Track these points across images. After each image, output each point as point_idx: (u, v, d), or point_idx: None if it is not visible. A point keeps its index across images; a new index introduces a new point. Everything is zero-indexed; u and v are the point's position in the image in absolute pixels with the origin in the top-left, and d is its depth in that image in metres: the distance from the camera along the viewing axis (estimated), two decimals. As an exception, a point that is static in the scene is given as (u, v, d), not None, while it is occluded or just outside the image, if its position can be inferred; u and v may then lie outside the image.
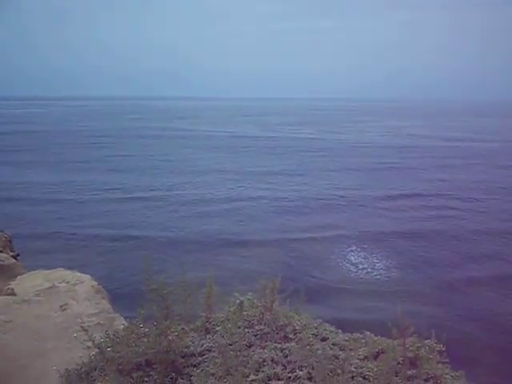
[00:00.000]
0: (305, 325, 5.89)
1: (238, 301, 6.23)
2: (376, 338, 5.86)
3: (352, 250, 24.29)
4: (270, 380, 5.09)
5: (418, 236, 26.83)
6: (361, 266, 22.37)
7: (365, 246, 25.00)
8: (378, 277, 20.79)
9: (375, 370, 5.20)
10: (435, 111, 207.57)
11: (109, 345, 5.98)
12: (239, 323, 5.92)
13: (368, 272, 21.55)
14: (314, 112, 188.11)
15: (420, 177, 45.53)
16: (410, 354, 5.44)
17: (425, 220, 30.15)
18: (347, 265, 22.54)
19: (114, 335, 6.25)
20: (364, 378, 5.15)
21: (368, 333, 5.99)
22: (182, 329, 6.08)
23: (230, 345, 5.56)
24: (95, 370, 5.87)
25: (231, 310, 6.19)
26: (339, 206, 33.96)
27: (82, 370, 6.00)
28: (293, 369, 5.16)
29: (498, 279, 20.86)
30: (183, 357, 5.76)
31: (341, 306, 18.03)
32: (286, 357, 5.34)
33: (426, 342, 5.61)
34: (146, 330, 5.91)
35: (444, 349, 5.64)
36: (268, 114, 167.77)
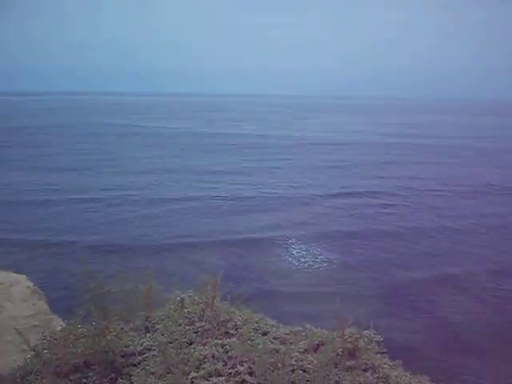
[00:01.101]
0: (246, 320, 5.89)
1: (178, 298, 6.17)
2: (316, 331, 5.93)
3: (293, 251, 24.26)
4: (210, 376, 5.07)
5: (363, 236, 27.08)
6: (301, 267, 22.38)
7: (307, 247, 25.04)
8: (316, 279, 20.80)
9: (315, 362, 5.26)
10: (397, 108, 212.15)
11: (45, 347, 5.81)
12: (180, 321, 5.86)
13: (308, 273, 21.56)
14: (270, 108, 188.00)
15: (363, 174, 46.14)
16: (349, 345, 5.53)
17: (368, 219, 30.49)
18: (288, 266, 22.47)
19: (50, 337, 6.07)
20: (304, 370, 5.20)
21: (308, 325, 6.05)
22: (122, 328, 5.97)
23: (170, 343, 5.50)
24: (31, 373, 5.67)
25: (171, 307, 6.13)
26: (281, 205, 33.86)
27: (17, 374, 5.78)
28: (234, 364, 5.16)
29: (439, 279, 21.27)
30: (123, 356, 5.65)
31: (283, 310, 17.83)
32: (227, 352, 5.32)
33: (365, 332, 5.71)
34: (84, 330, 5.75)
35: (382, 339, 5.75)
36: (221, 110, 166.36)
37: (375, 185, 40.57)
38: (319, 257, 23.34)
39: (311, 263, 22.79)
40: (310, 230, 27.43)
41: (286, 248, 24.55)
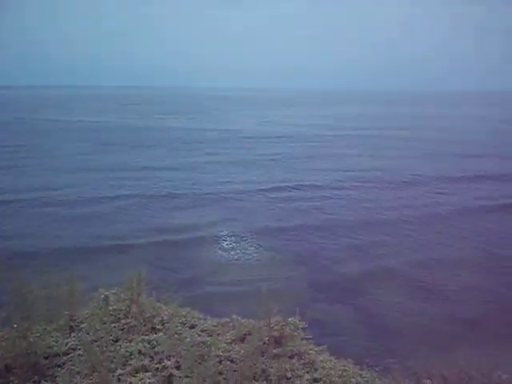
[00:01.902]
0: (172, 314, 5.88)
1: (102, 296, 6.07)
2: (243, 321, 5.99)
3: (224, 249, 23.98)
4: (137, 372, 5.04)
5: (296, 230, 27.02)
6: (232, 264, 22.07)
7: (237, 244, 24.78)
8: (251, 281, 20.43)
9: (242, 352, 5.32)
10: (342, 100, 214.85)
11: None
12: (105, 318, 5.78)
13: (239, 271, 21.30)
14: (209, 102, 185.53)
15: (298, 168, 46.17)
16: (276, 334, 5.63)
17: (302, 213, 30.41)
18: (217, 265, 22.09)
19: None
20: (231, 361, 5.26)
21: (235, 316, 6.11)
22: (45, 329, 5.81)
23: (96, 341, 5.42)
24: None
25: (96, 305, 6.02)
26: (213, 202, 33.32)
27: None
28: (161, 359, 5.15)
29: (369, 273, 21.42)
30: (46, 358, 5.51)
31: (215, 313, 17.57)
32: (154, 348, 5.30)
33: (290, 319, 5.82)
34: (4, 333, 5.56)
35: (306, 325, 5.88)
36: (157, 103, 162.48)
37: (310, 179, 40.88)
38: (251, 254, 23.31)
39: (242, 261, 22.71)
40: (241, 226, 27.15)
41: (217, 246, 24.32)
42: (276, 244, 24.93)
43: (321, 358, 5.81)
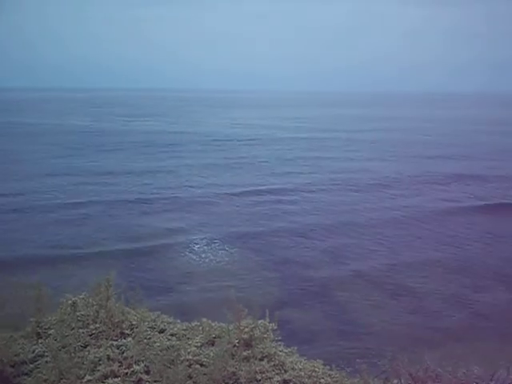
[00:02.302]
0: (141, 319, 5.85)
1: (70, 301, 6.00)
2: (213, 324, 5.99)
3: (192, 256, 23.51)
4: (106, 378, 5.00)
5: (264, 235, 26.63)
6: (200, 270, 21.65)
7: (205, 251, 24.36)
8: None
9: (212, 355, 5.33)
10: (306, 102, 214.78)
11: None
12: (73, 324, 5.71)
13: (209, 277, 20.91)
14: (180, 103, 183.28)
15: (268, 171, 45.70)
16: (245, 336, 5.64)
17: (270, 217, 29.97)
18: (191, 275, 21.58)
19: None
20: (201, 364, 5.26)
21: (205, 320, 6.10)
22: (11, 336, 5.71)
23: (64, 347, 5.35)
24: None
25: (64, 311, 5.95)
26: (182, 206, 32.60)
27: None
28: (129, 364, 5.12)
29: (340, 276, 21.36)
30: (13, 366, 5.42)
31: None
32: (123, 353, 5.27)
33: (260, 322, 5.84)
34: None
35: (276, 327, 5.92)
36: (127, 105, 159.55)
37: (279, 182, 40.77)
38: (220, 260, 23.02)
39: (211, 267, 22.36)
40: (210, 232, 26.77)
41: (185, 253, 23.94)
42: (245, 249, 24.78)
43: (291, 360, 5.85)
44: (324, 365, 6.19)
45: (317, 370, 5.91)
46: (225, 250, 24.13)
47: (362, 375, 5.84)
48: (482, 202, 33.28)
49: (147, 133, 75.57)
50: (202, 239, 24.99)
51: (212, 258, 23.01)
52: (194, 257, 22.93)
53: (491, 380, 5.90)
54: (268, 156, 54.66)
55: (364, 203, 33.62)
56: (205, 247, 24.08)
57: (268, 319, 6.04)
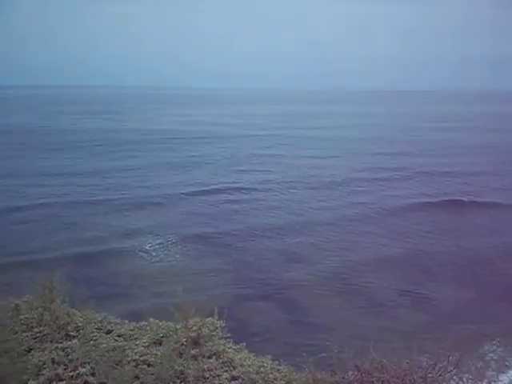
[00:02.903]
0: (87, 320, 5.76)
1: (13, 305, 5.86)
2: (160, 324, 5.97)
3: (149, 259, 23.02)
4: (51, 382, 4.91)
5: (217, 237, 26.20)
6: (154, 277, 21.15)
7: (166, 254, 23.94)
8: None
9: (159, 354, 5.31)
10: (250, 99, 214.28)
11: None
12: (16, 328, 5.58)
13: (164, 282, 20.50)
14: (136, 100, 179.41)
15: (223, 169, 45.05)
16: (193, 334, 5.65)
17: (224, 217, 29.53)
18: (143, 278, 21.08)
19: None
20: (148, 364, 5.23)
21: (152, 319, 6.07)
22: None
23: (6, 352, 5.22)
24: None
25: (6, 315, 5.80)
26: (133, 208, 31.64)
27: None
28: (75, 367, 5.04)
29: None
30: (-48, 373, 5.25)
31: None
32: (68, 355, 5.18)
33: (208, 320, 5.86)
34: None
35: (224, 324, 5.94)
36: (81, 103, 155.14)
37: (232, 181, 40.50)
38: (172, 263, 22.66)
39: (162, 269, 21.98)
40: (165, 233, 26.24)
41: (139, 256, 23.43)
42: (200, 251, 24.41)
43: (239, 356, 5.89)
44: (273, 360, 6.27)
45: (265, 365, 5.98)
46: (178, 251, 23.77)
47: (310, 369, 5.94)
48: (428, 200, 34.15)
49: (101, 131, 73.70)
50: (153, 242, 24.51)
51: (164, 260, 22.66)
52: (145, 259, 22.53)
53: (433, 369, 6.10)
54: (220, 154, 54.32)
55: (317, 201, 33.89)
56: (157, 250, 23.65)
57: (217, 317, 6.07)
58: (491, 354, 15.32)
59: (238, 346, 6.15)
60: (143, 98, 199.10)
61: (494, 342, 15.75)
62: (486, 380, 9.96)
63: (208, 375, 5.32)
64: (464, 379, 6.66)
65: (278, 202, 33.89)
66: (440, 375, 5.98)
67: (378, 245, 25.10)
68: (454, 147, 60.47)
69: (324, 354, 6.43)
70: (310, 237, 26.31)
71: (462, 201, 33.56)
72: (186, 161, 49.24)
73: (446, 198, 34.08)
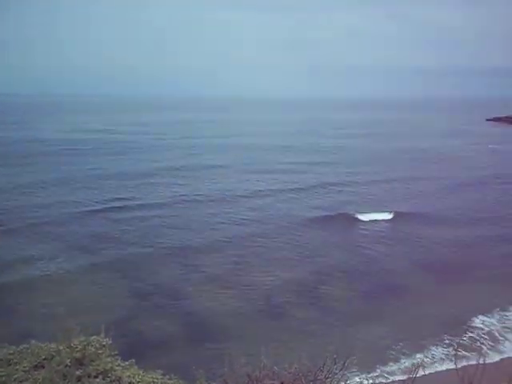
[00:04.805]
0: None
1: None
2: (42, 346, 5.69)
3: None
4: None
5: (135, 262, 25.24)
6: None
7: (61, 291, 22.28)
8: None
9: (40, 379, 5.05)
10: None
11: None
12: None
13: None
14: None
15: (118, 184, 43.07)
16: (78, 355, 5.43)
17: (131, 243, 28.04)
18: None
19: None
20: (29, 389, 4.96)
21: (34, 341, 5.77)
22: None
23: None
24: None
25: None
26: (27, 230, 29.43)
27: None
28: None
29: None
30: None
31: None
32: None
33: (93, 338, 5.67)
34: None
35: (111, 342, 5.78)
36: None
37: (130, 196, 39.06)
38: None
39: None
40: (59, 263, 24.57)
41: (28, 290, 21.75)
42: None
43: (128, 374, 5.74)
44: (163, 374, 6.16)
45: (155, 380, 5.86)
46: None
47: (201, 381, 5.90)
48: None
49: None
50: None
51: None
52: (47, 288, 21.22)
53: (321, 371, 6.28)
54: (117, 167, 52.37)
55: (214, 217, 33.58)
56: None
57: (103, 334, 5.88)
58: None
59: (127, 363, 5.99)
60: (37, 107, 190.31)
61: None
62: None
63: (93, 395, 5.13)
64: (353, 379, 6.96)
65: (188, 217, 33.26)
66: (327, 377, 6.16)
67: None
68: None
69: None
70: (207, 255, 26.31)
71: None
72: (83, 175, 46.78)
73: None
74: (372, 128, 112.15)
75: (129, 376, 5.69)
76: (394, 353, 17.38)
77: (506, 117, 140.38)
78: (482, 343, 18.37)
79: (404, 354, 17.40)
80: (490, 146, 77.43)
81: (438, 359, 17.28)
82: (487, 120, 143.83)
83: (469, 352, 16.77)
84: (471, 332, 19.15)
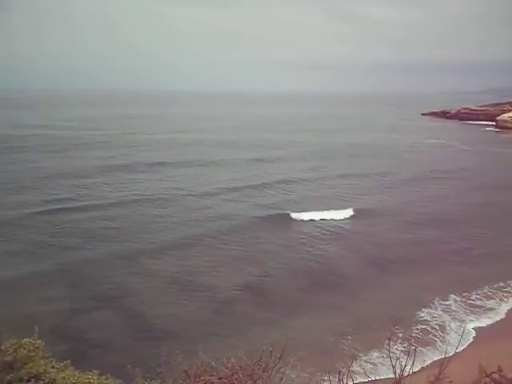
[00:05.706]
0: None
1: None
2: (-29, 351, 5.51)
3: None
4: None
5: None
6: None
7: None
8: None
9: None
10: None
11: None
12: None
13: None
14: None
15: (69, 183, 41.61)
16: (9, 358, 5.30)
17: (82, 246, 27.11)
18: None
19: None
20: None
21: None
22: None
23: None
24: None
25: None
26: None
27: None
28: None
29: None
30: None
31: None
32: None
33: (25, 340, 5.54)
34: None
35: (44, 344, 5.66)
36: None
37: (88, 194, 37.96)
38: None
39: None
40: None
41: None
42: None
43: (63, 375, 5.65)
44: (100, 374, 6.08)
45: (91, 381, 5.79)
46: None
47: (138, 380, 5.87)
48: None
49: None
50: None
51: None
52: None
53: (259, 365, 6.35)
54: (67, 165, 50.62)
55: (169, 217, 33.12)
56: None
57: (36, 336, 5.74)
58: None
59: (63, 364, 5.89)
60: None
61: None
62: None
63: (24, 401, 5.02)
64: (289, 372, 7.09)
65: (144, 216, 32.58)
66: (264, 371, 6.24)
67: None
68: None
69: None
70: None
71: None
72: (34, 176, 44.71)
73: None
74: (309, 123, 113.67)
75: (63, 378, 5.60)
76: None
77: (442, 111, 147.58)
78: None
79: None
80: (428, 141, 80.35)
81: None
82: (422, 114, 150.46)
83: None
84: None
